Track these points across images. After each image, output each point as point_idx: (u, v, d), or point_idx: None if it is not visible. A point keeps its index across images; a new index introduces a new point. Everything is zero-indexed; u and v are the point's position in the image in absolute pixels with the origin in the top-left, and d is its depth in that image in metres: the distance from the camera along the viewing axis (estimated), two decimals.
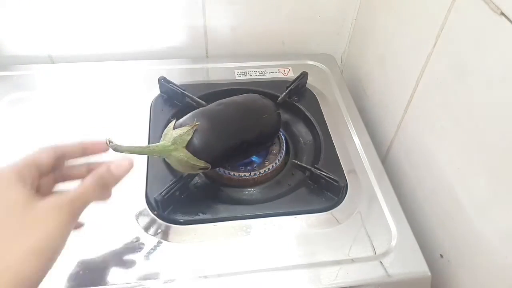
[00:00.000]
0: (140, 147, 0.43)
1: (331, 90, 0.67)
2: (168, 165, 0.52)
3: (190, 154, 0.44)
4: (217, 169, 0.52)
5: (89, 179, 0.33)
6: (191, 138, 0.44)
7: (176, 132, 0.44)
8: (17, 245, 0.28)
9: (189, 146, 0.44)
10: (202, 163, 0.45)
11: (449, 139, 0.49)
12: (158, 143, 0.44)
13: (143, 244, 0.45)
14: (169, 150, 0.44)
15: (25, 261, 0.28)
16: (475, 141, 0.44)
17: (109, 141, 0.37)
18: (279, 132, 0.57)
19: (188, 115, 0.47)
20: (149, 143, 0.55)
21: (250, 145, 0.50)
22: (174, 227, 0.46)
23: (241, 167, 0.53)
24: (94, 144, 0.37)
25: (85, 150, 0.37)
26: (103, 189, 0.34)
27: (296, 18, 0.73)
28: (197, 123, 0.45)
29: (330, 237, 0.47)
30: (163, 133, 0.46)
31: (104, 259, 0.43)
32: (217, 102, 0.51)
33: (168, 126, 0.46)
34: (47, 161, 0.34)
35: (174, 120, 0.46)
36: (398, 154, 0.62)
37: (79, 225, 0.36)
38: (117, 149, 0.38)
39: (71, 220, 0.31)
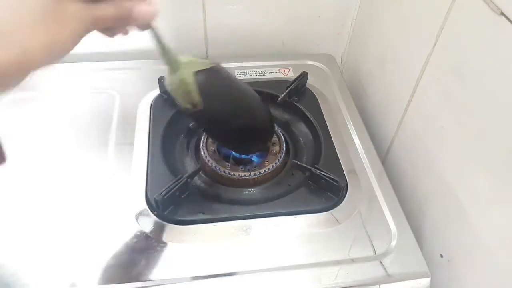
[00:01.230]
0: (165, 45, 0.42)
1: (331, 90, 0.67)
2: (168, 165, 0.52)
3: (193, 83, 0.42)
4: (217, 169, 0.52)
5: (112, 9, 0.34)
6: (204, 70, 0.43)
7: (196, 59, 0.43)
8: (34, 39, 0.30)
9: (198, 75, 0.43)
10: (197, 97, 0.42)
11: (449, 139, 0.49)
12: (175, 53, 0.43)
13: (143, 244, 0.45)
14: (179, 64, 0.42)
15: (37, 53, 0.30)
16: (475, 141, 0.44)
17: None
18: (279, 134, 0.57)
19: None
20: (149, 143, 0.55)
21: (239, 124, 0.48)
22: (174, 227, 0.46)
23: (241, 167, 0.53)
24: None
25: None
26: (121, 23, 0.37)
27: (296, 18, 0.73)
28: (214, 63, 0.44)
29: (330, 237, 0.47)
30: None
31: (104, 259, 0.43)
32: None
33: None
34: None
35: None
36: (398, 154, 0.62)
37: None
38: (154, 32, 0.41)
39: (85, 34, 0.34)
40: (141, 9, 0.36)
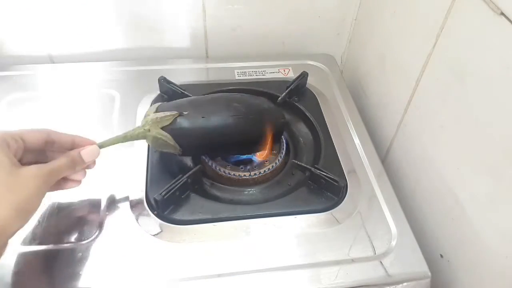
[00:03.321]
0: (117, 137, 0.47)
1: (331, 90, 0.67)
2: (168, 165, 0.52)
3: (165, 133, 0.47)
4: (217, 169, 0.52)
5: (63, 158, 0.41)
6: (170, 124, 0.47)
7: (156, 115, 0.47)
8: (4, 201, 0.34)
9: (166, 128, 0.47)
10: (176, 146, 0.48)
11: (449, 139, 0.49)
12: (134, 129, 0.48)
13: (143, 244, 0.45)
14: (144, 132, 0.47)
15: (10, 215, 0.35)
16: (475, 141, 0.44)
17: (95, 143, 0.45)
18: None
19: (175, 101, 0.50)
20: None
21: (228, 141, 0.50)
22: (174, 227, 0.46)
23: (241, 167, 0.53)
24: (83, 141, 0.44)
25: (75, 144, 0.43)
26: (73, 168, 0.42)
27: (296, 18, 0.73)
28: (175, 114, 0.47)
29: (330, 237, 0.47)
30: (145, 114, 0.49)
31: (104, 259, 0.43)
32: (209, 94, 0.52)
33: (151, 107, 0.50)
34: (34, 141, 0.40)
35: (158, 104, 0.49)
36: (398, 154, 0.62)
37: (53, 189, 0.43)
38: (101, 145, 0.45)
39: (46, 188, 0.38)
40: (88, 150, 0.43)
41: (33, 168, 0.37)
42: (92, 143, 0.44)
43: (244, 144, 0.52)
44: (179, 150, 0.48)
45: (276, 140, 0.53)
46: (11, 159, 0.36)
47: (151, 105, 0.60)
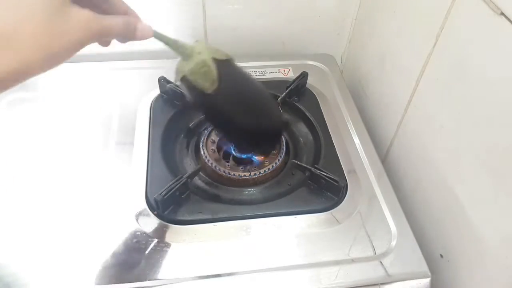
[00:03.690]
0: (169, 38, 0.42)
1: (331, 90, 0.67)
2: (168, 165, 0.52)
3: (214, 64, 0.42)
4: (217, 169, 0.52)
5: (120, 19, 0.35)
6: (222, 60, 0.43)
7: (211, 48, 0.43)
8: (38, 41, 0.28)
9: (217, 60, 0.42)
10: (213, 79, 0.42)
11: (449, 139, 0.49)
12: (186, 43, 0.42)
13: (143, 244, 0.45)
14: (192, 50, 0.42)
15: (36, 62, 0.29)
16: (475, 141, 0.44)
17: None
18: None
19: None
20: (149, 143, 0.55)
21: (250, 123, 0.47)
22: (174, 227, 0.46)
23: (241, 167, 0.53)
24: (136, 15, 0.39)
25: (127, 12, 0.38)
26: (124, 35, 0.36)
27: (296, 18, 0.73)
28: (231, 56, 0.44)
29: (330, 237, 0.47)
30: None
31: (104, 259, 0.43)
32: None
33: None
34: None
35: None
36: (398, 154, 0.62)
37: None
38: (155, 33, 0.40)
39: (89, 41, 0.32)
40: (144, 26, 0.38)
41: (87, 14, 0.31)
42: (142, 20, 0.39)
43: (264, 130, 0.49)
44: (215, 88, 0.42)
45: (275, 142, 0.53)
46: None
47: (151, 104, 0.60)
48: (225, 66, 0.43)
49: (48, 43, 0.29)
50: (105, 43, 0.38)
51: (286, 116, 0.62)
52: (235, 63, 0.45)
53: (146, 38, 0.39)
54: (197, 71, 0.42)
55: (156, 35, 0.40)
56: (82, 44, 0.31)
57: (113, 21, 0.34)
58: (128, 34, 0.37)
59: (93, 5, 0.34)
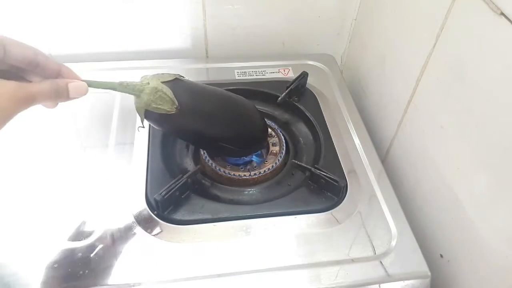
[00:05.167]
0: (111, 82, 0.42)
1: (331, 90, 0.67)
2: (168, 165, 0.52)
3: (166, 86, 0.43)
4: (217, 169, 0.52)
5: (48, 84, 0.35)
6: (171, 80, 0.44)
7: (157, 73, 0.44)
8: None
9: (166, 83, 0.44)
10: (174, 100, 0.43)
11: (449, 139, 0.49)
12: (132, 81, 0.44)
13: (143, 244, 0.45)
14: (141, 85, 0.43)
15: None
16: (475, 141, 0.44)
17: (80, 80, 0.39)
18: (279, 134, 0.56)
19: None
20: (149, 143, 0.55)
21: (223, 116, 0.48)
22: (174, 227, 0.46)
23: (241, 167, 0.53)
24: (70, 74, 0.39)
25: (61, 74, 0.38)
26: (55, 98, 0.37)
27: (296, 18, 0.73)
28: (176, 74, 0.45)
29: (330, 237, 0.47)
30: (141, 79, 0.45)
31: (104, 259, 0.43)
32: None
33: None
34: (19, 56, 0.35)
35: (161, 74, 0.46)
36: (398, 154, 0.62)
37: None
38: (90, 84, 0.40)
39: (19, 110, 0.33)
40: (77, 85, 0.38)
41: (12, 84, 0.32)
42: (79, 78, 0.39)
43: (238, 128, 0.50)
44: (176, 106, 0.44)
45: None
46: None
47: None
48: (176, 84, 0.45)
49: None
50: (49, 106, 0.39)
51: (286, 116, 0.63)
52: (185, 79, 0.46)
53: (82, 96, 0.39)
54: (153, 99, 0.43)
55: (97, 85, 0.40)
56: (10, 115, 0.33)
57: (40, 87, 0.35)
58: (59, 95, 0.37)
59: (25, 73, 0.36)
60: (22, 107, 0.34)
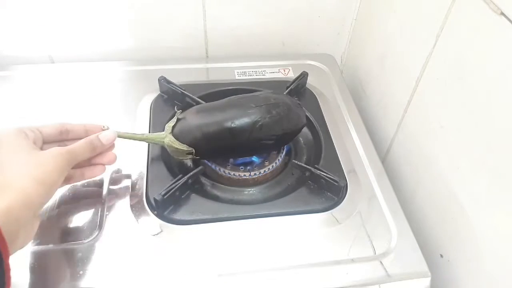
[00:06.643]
0: (137, 134, 0.49)
1: (331, 90, 0.67)
2: (168, 165, 0.52)
3: (174, 138, 0.48)
4: (217, 169, 0.52)
5: (82, 141, 0.44)
6: (175, 124, 0.49)
7: (167, 125, 0.50)
8: (26, 175, 0.36)
9: (172, 131, 0.49)
10: (184, 147, 0.48)
11: (449, 139, 0.49)
12: (155, 133, 0.51)
13: (143, 244, 0.45)
14: (161, 138, 0.49)
15: (33, 186, 0.36)
16: (475, 141, 0.44)
17: (104, 126, 0.47)
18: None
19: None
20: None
21: (236, 137, 0.48)
22: (174, 227, 0.46)
23: (241, 167, 0.53)
24: (95, 127, 0.47)
25: (87, 131, 0.46)
26: (92, 151, 0.44)
27: (296, 18, 0.73)
28: (178, 110, 0.50)
29: (330, 237, 0.47)
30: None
31: (104, 259, 0.43)
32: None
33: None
34: (51, 132, 0.44)
35: (180, 111, 0.51)
36: (398, 154, 0.62)
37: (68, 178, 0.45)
38: (118, 134, 0.47)
39: (65, 167, 0.40)
40: (106, 133, 0.46)
41: (53, 149, 0.40)
42: (100, 126, 0.47)
43: (250, 139, 0.50)
44: (191, 151, 0.48)
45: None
46: (30, 144, 0.39)
47: (151, 104, 0.60)
48: (181, 125, 0.49)
49: (33, 172, 0.37)
50: (96, 170, 0.47)
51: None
52: (185, 111, 0.50)
53: (113, 140, 0.47)
54: (173, 153, 0.50)
55: (122, 135, 0.48)
56: (61, 169, 0.39)
57: (77, 145, 0.42)
58: (96, 147, 0.45)
59: (59, 140, 0.45)
60: (70, 163, 0.41)
